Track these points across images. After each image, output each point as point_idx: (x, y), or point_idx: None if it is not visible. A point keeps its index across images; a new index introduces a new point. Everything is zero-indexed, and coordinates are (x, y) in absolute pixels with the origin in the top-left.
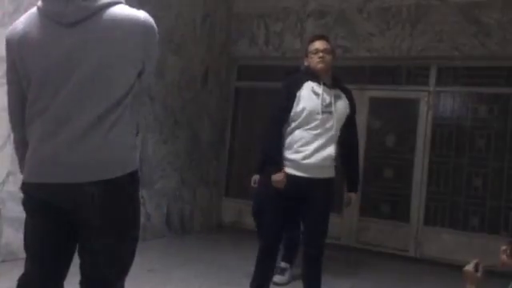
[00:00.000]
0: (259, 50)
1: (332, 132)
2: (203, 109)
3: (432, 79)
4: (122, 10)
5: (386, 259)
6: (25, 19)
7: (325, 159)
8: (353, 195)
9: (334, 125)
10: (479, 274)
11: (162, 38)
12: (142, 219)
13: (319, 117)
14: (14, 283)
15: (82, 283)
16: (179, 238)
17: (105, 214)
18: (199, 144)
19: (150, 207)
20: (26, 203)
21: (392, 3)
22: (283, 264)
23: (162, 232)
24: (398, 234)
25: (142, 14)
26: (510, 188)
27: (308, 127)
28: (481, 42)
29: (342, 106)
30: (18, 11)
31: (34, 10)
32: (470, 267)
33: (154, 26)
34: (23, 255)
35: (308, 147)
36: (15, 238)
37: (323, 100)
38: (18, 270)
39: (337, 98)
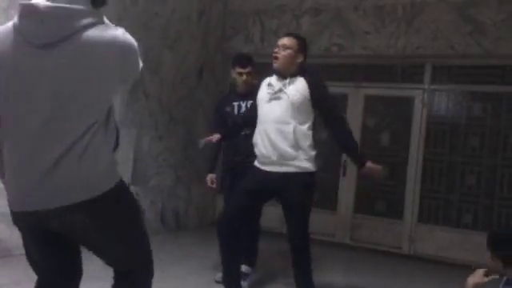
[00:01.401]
0: (255, 47)
1: (286, 119)
2: (198, 105)
3: (427, 77)
4: (98, 32)
5: (379, 256)
6: (0, 34)
7: (282, 154)
8: (368, 165)
9: (281, 109)
10: (487, 280)
11: (157, 34)
12: None
13: (267, 105)
14: (8, 279)
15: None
16: (174, 234)
17: (99, 233)
18: (194, 141)
19: (145, 204)
20: (18, 225)
21: (387, 1)
22: (245, 268)
23: (157, 229)
24: (392, 231)
25: (119, 34)
26: (503, 186)
27: (262, 119)
28: (476, 40)
29: (294, 88)
30: (11, 7)
31: (10, 24)
32: (481, 271)
33: (133, 44)
34: (17, 252)
35: (263, 143)
36: (8, 234)
37: (273, 88)
38: (12, 266)
39: (290, 83)
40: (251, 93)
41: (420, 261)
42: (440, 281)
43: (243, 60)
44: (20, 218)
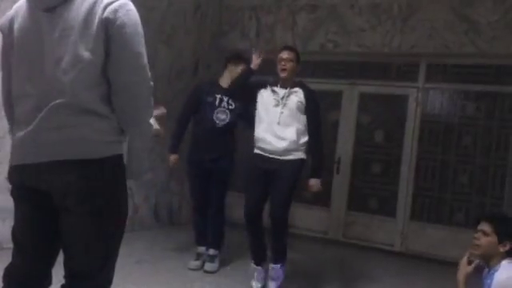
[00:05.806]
0: (250, 43)
1: (289, 121)
2: None
3: (421, 76)
4: None
5: (372, 254)
6: (18, 5)
7: (285, 149)
8: (312, 181)
9: (286, 113)
10: (471, 268)
11: (152, 29)
12: (130, 211)
13: (273, 108)
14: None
15: (65, 277)
16: (167, 229)
17: (79, 200)
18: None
19: (138, 199)
20: (13, 191)
21: None
22: (212, 251)
23: (150, 224)
24: (385, 228)
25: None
26: (495, 184)
27: (269, 120)
28: (470, 39)
29: (296, 97)
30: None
31: None
32: (464, 260)
33: (127, 8)
34: (7, 245)
35: (266, 134)
36: (0, 227)
37: (277, 95)
38: (3, 260)
39: (292, 92)
40: (235, 90)
41: (412, 258)
42: (431, 278)
43: (237, 55)
44: (15, 174)
